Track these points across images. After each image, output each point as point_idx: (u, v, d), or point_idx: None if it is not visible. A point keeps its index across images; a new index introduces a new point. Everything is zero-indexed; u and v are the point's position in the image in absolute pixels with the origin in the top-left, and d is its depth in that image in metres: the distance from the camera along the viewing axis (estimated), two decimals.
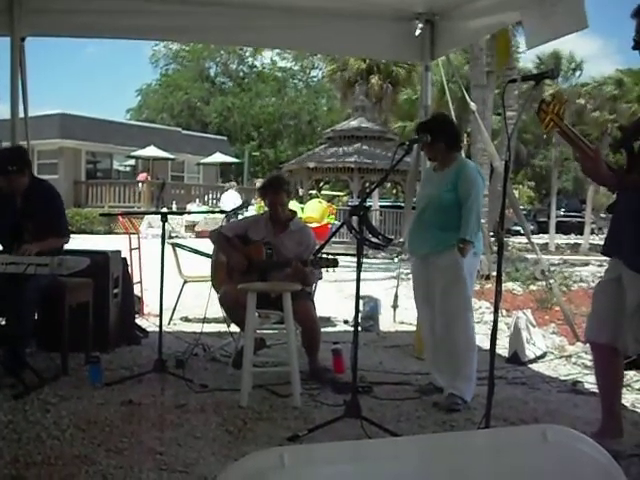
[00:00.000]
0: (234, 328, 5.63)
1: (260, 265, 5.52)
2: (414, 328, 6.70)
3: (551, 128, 3.73)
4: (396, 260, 13.35)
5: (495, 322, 3.73)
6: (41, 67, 61.55)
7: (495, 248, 5.08)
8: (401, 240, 8.58)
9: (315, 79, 54.32)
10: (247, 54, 52.82)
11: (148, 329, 6.98)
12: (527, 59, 33.28)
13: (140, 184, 30.65)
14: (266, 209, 5.83)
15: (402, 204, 21.42)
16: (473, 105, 8.04)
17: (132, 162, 35.14)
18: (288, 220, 5.71)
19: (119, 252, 6.72)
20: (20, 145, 6.31)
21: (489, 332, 3.89)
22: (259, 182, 22.21)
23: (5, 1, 6.30)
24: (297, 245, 5.56)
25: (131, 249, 8.02)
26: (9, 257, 4.88)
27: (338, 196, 34.94)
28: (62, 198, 5.81)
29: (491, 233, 12.13)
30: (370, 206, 22.21)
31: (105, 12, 6.59)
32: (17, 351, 5.12)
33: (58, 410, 4.43)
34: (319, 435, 3.98)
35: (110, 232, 24.97)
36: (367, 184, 23.55)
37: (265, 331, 5.53)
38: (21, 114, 6.71)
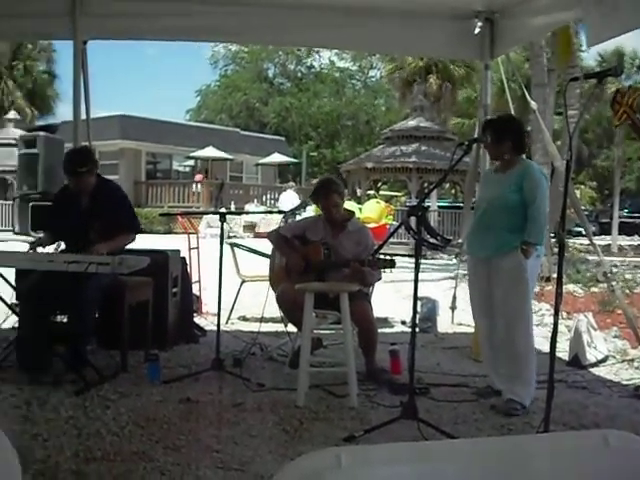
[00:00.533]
0: (291, 328, 5.64)
1: (318, 265, 5.52)
2: (472, 330, 6.62)
3: (624, 120, 3.66)
4: (454, 261, 13.24)
5: (555, 325, 3.67)
6: (102, 69, 62.65)
7: (556, 249, 4.99)
8: (459, 241, 8.50)
9: (373, 79, 54.23)
10: (305, 55, 52.96)
11: (206, 328, 7.05)
12: (589, 57, 32.70)
13: (198, 184, 31.03)
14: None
15: (461, 204, 21.20)
16: (534, 104, 7.91)
17: (191, 162, 35.55)
18: (345, 221, 5.70)
19: (178, 252, 6.80)
20: (86, 145, 6.42)
21: (549, 335, 3.82)
22: None
23: (67, 6, 6.44)
24: (355, 245, 5.54)
25: (190, 249, 8.11)
26: (71, 256, 4.98)
27: (396, 196, 34.80)
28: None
29: (552, 234, 11.92)
30: (428, 206, 22.06)
31: (163, 15, 6.68)
32: (78, 348, 5.22)
33: (117, 407, 4.51)
34: (375, 436, 3.96)
35: (170, 232, 25.27)
36: (425, 184, 23.40)
37: (322, 331, 5.53)
38: (83, 116, 6.84)
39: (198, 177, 32.17)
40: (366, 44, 8.26)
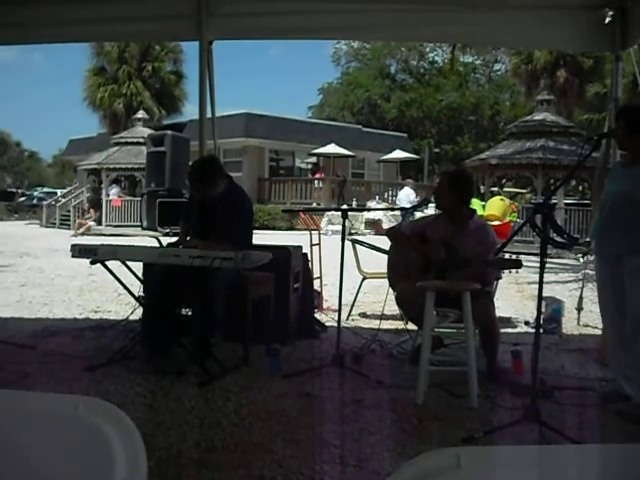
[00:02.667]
0: (412, 325, 5.60)
1: (438, 264, 5.44)
2: (599, 332, 6.39)
3: None
4: (582, 260, 12.83)
5: None
6: (228, 68, 64.25)
7: None
8: (587, 240, 8.23)
9: (498, 73, 53.28)
10: (427, 50, 52.57)
11: (327, 324, 7.09)
12: None
13: (320, 181, 31.35)
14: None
15: (589, 202, 20.51)
16: None
17: (313, 159, 35.92)
18: (467, 219, 5.59)
19: (300, 247, 6.86)
20: (212, 156, 6.53)
21: None
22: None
23: (194, 8, 6.61)
24: (476, 244, 5.41)
25: (312, 245, 8.17)
26: (196, 251, 5.11)
27: (521, 193, 34.08)
28: (252, 207, 5.99)
29: None
30: (555, 204, 21.45)
31: (288, 13, 6.75)
32: (202, 341, 5.35)
33: (238, 399, 4.60)
34: (496, 438, 3.87)
35: (292, 228, 25.68)
36: (552, 181, 22.76)
37: (443, 330, 5.46)
38: (209, 114, 7.00)
39: (318, 174, 32.55)
40: (492, 38, 8.09)
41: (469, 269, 5.19)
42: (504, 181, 27.25)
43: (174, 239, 6.11)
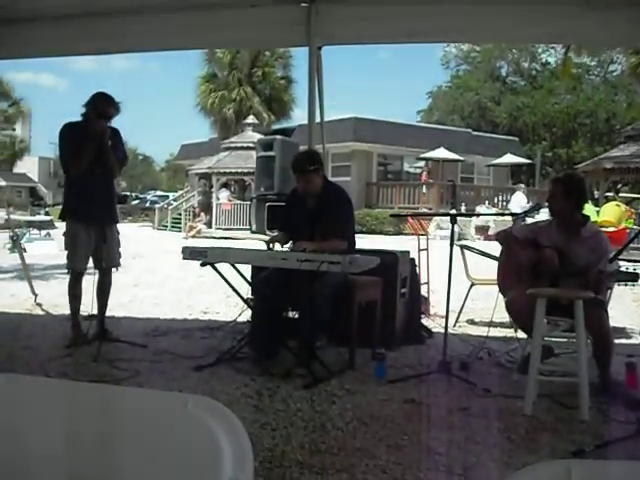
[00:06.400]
0: (521, 334, 5.48)
1: (550, 271, 5.30)
2: None
3: None
4: None
5: None
6: (337, 73, 64.84)
7: None
8: None
9: (614, 74, 51.52)
10: (540, 51, 51.42)
11: (433, 330, 7.04)
12: None
13: (424, 186, 31.17)
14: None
15: None
16: None
17: (422, 164, 35.68)
18: (580, 225, 5.41)
19: (408, 252, 6.83)
20: (315, 149, 6.65)
21: None
22: None
23: (303, 14, 6.68)
24: (589, 252, 5.24)
25: (419, 250, 8.11)
26: (304, 254, 5.15)
27: (638, 199, 32.86)
28: (352, 204, 6.02)
29: None
30: None
31: (396, 17, 6.70)
32: (309, 344, 5.40)
33: (343, 403, 4.62)
34: (607, 452, 3.74)
35: (399, 233, 25.59)
36: None
37: (554, 339, 5.32)
38: (317, 119, 7.05)
39: (423, 177, 32.35)
40: (611, 38, 7.77)
41: (583, 278, 5.03)
42: (620, 186, 26.39)
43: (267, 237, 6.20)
